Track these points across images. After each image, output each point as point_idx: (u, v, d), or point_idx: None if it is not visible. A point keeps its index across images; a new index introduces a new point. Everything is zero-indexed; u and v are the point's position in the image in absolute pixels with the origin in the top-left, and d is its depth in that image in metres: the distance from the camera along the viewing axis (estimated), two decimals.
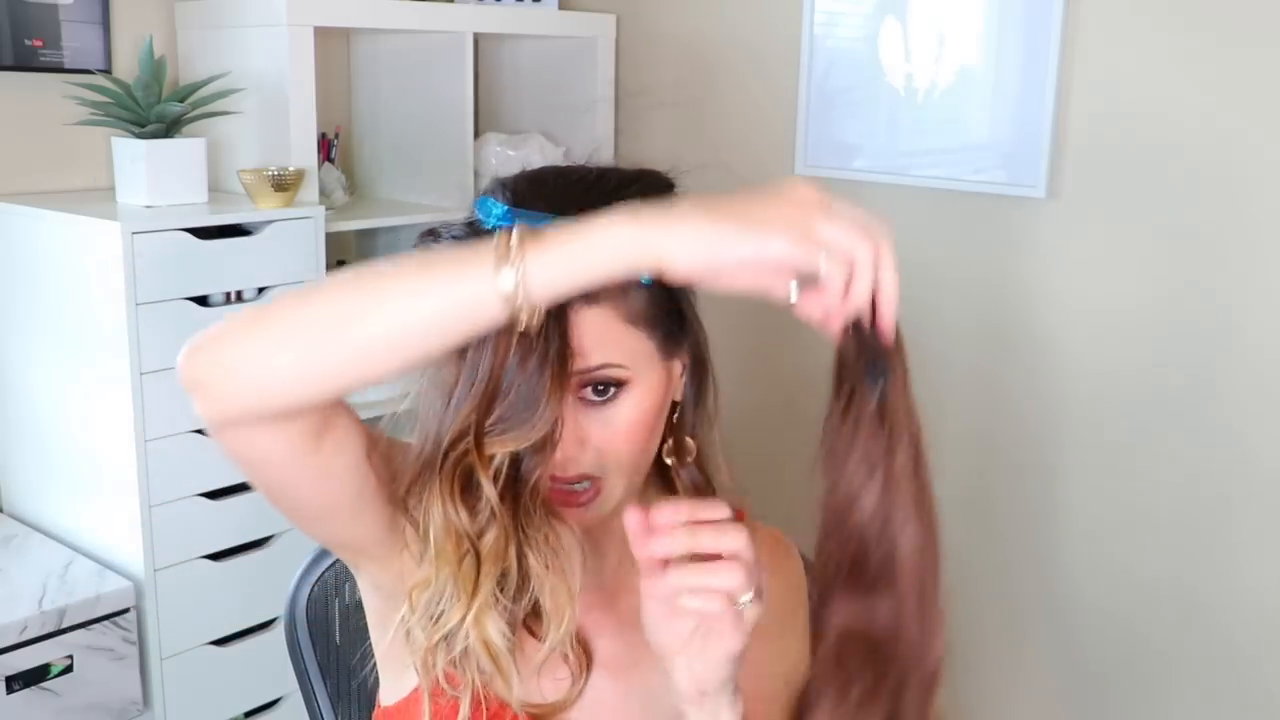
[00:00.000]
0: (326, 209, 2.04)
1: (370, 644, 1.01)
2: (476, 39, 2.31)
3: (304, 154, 2.02)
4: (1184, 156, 1.85)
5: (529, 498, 0.84)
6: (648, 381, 0.87)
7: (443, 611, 0.85)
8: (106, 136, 1.95)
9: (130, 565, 1.85)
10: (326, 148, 2.31)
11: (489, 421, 0.81)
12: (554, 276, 0.72)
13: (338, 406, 0.84)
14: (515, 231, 0.72)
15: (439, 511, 0.84)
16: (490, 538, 0.83)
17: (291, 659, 1.25)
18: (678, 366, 0.92)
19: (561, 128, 2.52)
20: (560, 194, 0.86)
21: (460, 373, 0.83)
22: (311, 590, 1.24)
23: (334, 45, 2.43)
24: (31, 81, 2.00)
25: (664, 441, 0.93)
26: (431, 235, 0.88)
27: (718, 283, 0.74)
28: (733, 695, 0.83)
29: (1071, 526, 2.07)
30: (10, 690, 1.69)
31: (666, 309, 0.88)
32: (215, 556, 1.92)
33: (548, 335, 0.80)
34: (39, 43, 1.99)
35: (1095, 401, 2.01)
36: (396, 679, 0.98)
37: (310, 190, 2.04)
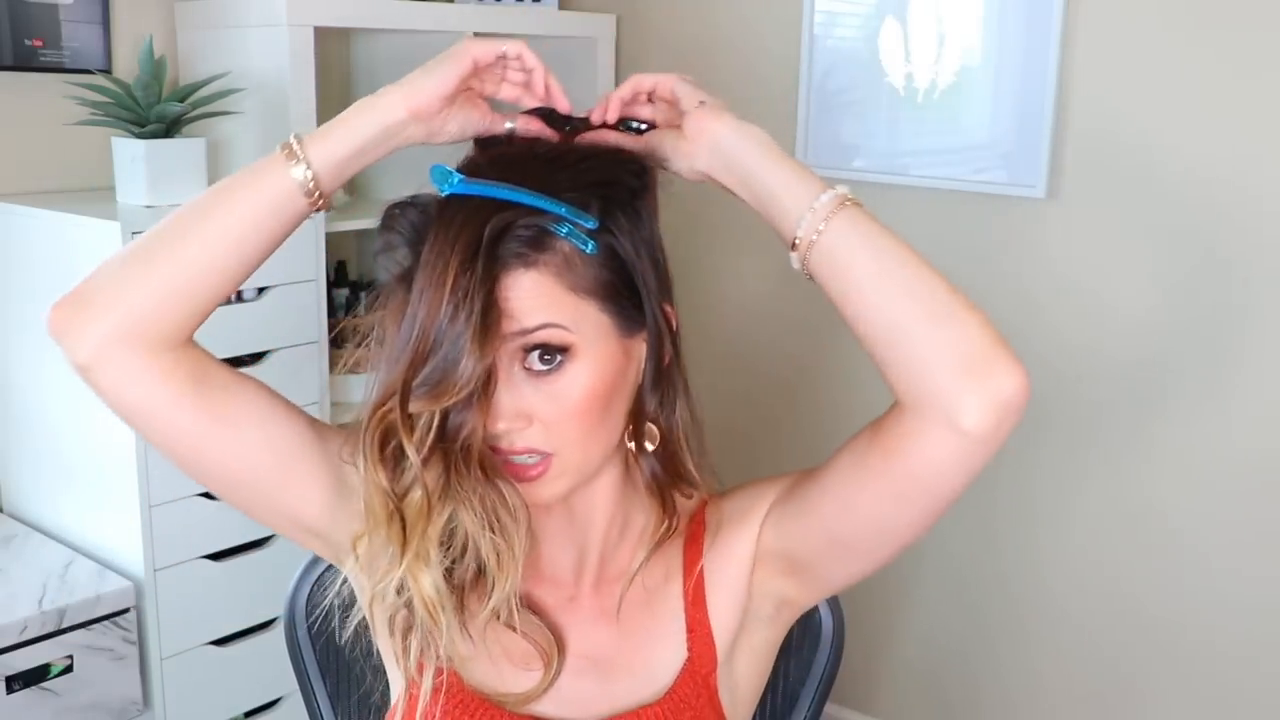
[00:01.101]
0: (326, 209, 2.04)
1: (373, 645, 1.01)
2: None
3: None
4: (1183, 156, 1.85)
5: (461, 457, 0.83)
6: (598, 354, 0.85)
7: (387, 569, 0.86)
8: (106, 136, 1.95)
9: (130, 565, 1.85)
10: None
11: (416, 381, 0.82)
12: (332, 153, 0.88)
13: (230, 375, 0.90)
14: (295, 134, 0.88)
15: (365, 470, 0.85)
16: (415, 497, 0.84)
17: (291, 659, 1.25)
18: (640, 347, 0.90)
19: None
20: (514, 166, 0.87)
21: (397, 330, 0.85)
22: (311, 590, 1.24)
23: (334, 45, 2.43)
24: (31, 81, 2.00)
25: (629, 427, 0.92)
26: (395, 207, 0.91)
27: (449, 127, 0.92)
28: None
29: (1071, 525, 2.07)
30: (10, 690, 1.69)
31: (619, 283, 0.87)
32: (215, 556, 1.92)
33: (472, 293, 0.80)
34: (39, 43, 1.99)
35: (1095, 401, 2.01)
36: (395, 677, 0.98)
37: None
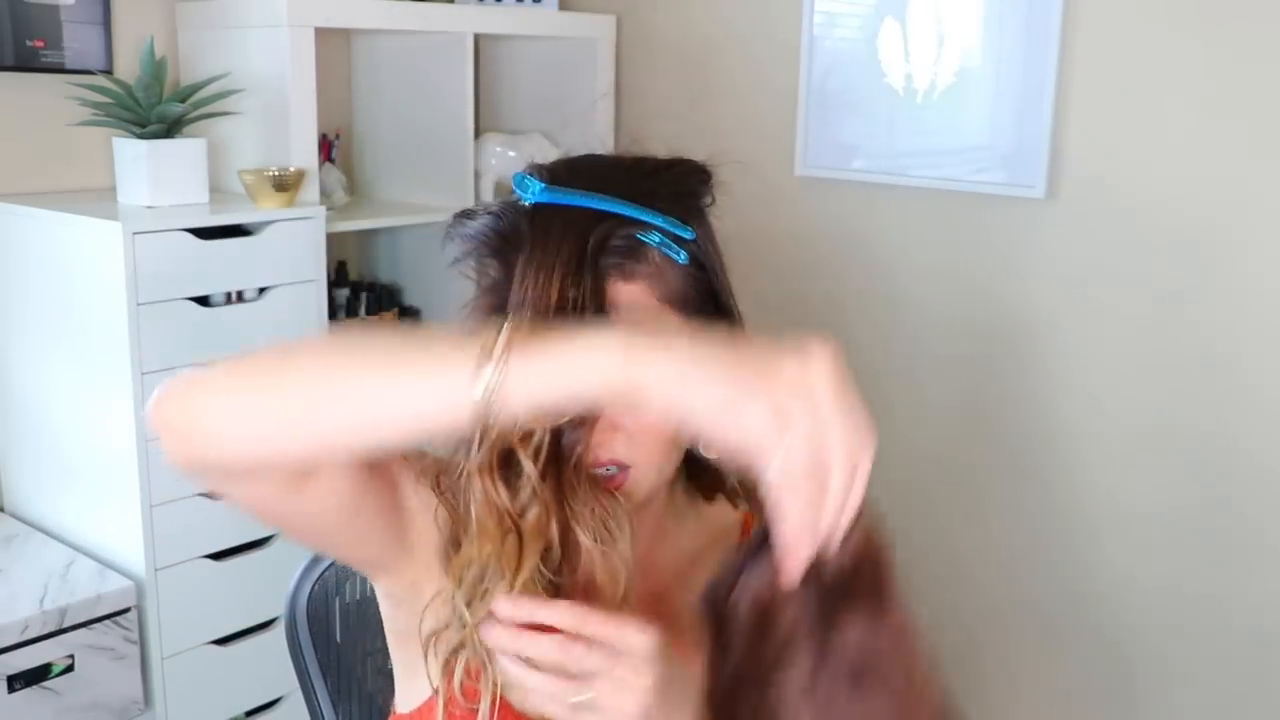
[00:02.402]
0: (327, 209, 2.05)
1: (373, 643, 1.01)
2: (476, 39, 2.31)
3: (305, 154, 2.03)
4: (1183, 157, 1.86)
5: (572, 473, 0.83)
6: None
7: (486, 590, 0.84)
8: (108, 137, 1.95)
9: (131, 565, 1.86)
10: (327, 148, 2.32)
11: None
12: (530, 391, 0.68)
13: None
14: (504, 333, 0.69)
15: (480, 490, 0.83)
16: (532, 515, 0.83)
17: (292, 658, 1.25)
18: None
19: (561, 128, 2.52)
20: (598, 175, 0.86)
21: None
22: (312, 590, 1.25)
23: (334, 46, 2.44)
24: (33, 82, 2.01)
25: None
26: (466, 214, 0.88)
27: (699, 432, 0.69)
28: None
29: (1071, 525, 2.07)
30: (11, 689, 1.69)
31: (699, 291, 0.87)
32: (216, 556, 1.92)
33: (583, 306, 0.80)
34: (40, 43, 1.99)
35: (1094, 401, 2.01)
36: (411, 686, 0.97)
37: (311, 190, 2.04)
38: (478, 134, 2.40)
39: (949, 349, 2.15)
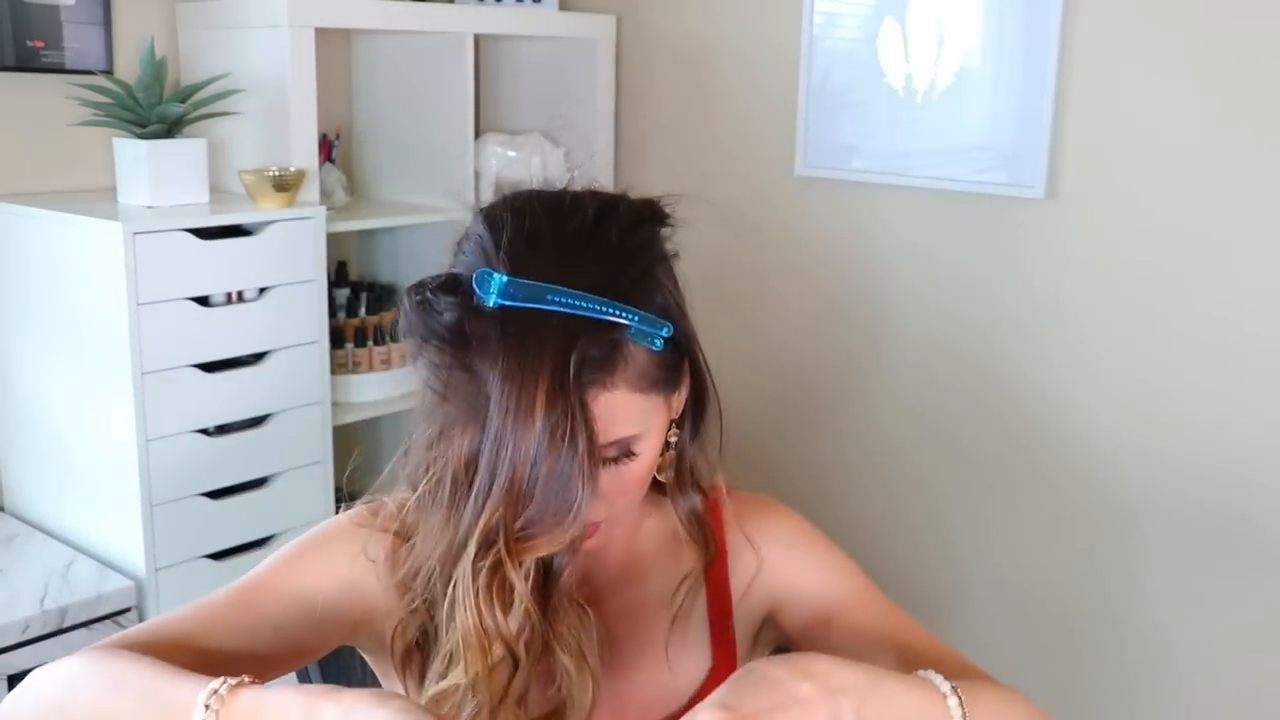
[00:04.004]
0: (327, 209, 2.05)
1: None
2: (476, 39, 2.31)
3: (305, 154, 2.03)
4: (1182, 156, 1.86)
5: (563, 596, 0.83)
6: (655, 432, 0.86)
7: (455, 706, 0.84)
8: (108, 137, 1.95)
9: (131, 565, 1.86)
10: (327, 148, 2.32)
11: (519, 523, 0.78)
12: None
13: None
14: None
15: (472, 619, 0.80)
16: (526, 642, 0.81)
17: None
18: (675, 396, 0.90)
19: (561, 128, 2.53)
20: (562, 258, 0.80)
21: (472, 465, 0.80)
22: None
23: (334, 46, 2.44)
24: (33, 82, 2.01)
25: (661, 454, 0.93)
26: (422, 301, 0.81)
27: None
28: None
29: (1071, 523, 2.08)
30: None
31: (675, 366, 0.86)
32: (216, 556, 1.92)
33: (574, 432, 0.76)
34: (40, 43, 2.00)
35: (1094, 401, 2.01)
36: None
37: (311, 190, 2.05)
38: (478, 134, 2.40)
39: (949, 349, 2.15)
